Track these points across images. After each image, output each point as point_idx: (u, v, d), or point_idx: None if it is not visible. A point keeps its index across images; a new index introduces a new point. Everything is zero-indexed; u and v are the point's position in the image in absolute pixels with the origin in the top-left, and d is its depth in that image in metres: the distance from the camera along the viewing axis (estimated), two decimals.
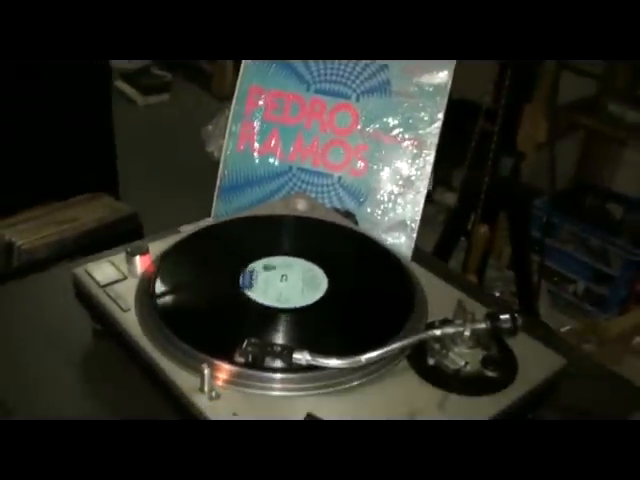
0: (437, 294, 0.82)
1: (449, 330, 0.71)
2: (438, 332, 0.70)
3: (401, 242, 1.02)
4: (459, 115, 1.31)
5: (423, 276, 0.85)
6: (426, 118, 1.01)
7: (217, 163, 1.10)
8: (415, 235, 1.02)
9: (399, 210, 1.02)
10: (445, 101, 1.01)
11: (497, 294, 2.01)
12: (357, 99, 1.04)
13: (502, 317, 0.70)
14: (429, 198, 1.06)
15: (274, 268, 0.82)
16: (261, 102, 1.06)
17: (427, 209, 1.04)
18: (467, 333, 0.70)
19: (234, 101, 1.07)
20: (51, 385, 0.78)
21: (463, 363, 0.70)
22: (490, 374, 0.70)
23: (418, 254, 1.01)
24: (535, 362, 0.73)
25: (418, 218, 1.02)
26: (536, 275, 1.77)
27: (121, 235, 0.75)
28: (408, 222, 1.02)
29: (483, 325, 0.71)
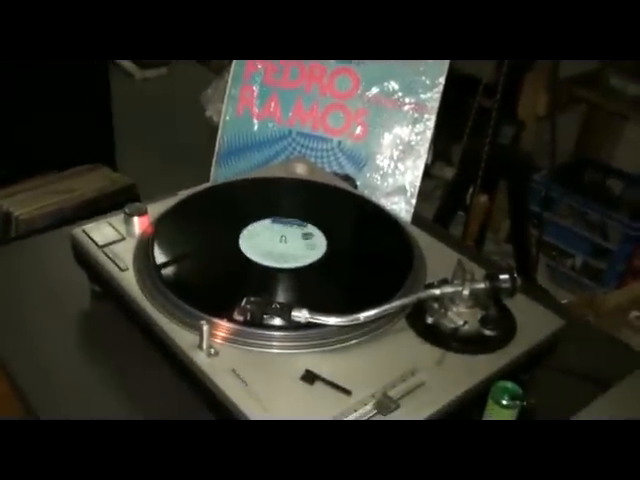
0: (436, 256, 0.81)
1: (448, 289, 0.70)
2: (437, 291, 0.70)
3: (400, 207, 1.02)
4: (459, 90, 1.30)
5: (422, 238, 0.85)
6: (427, 82, 1.00)
7: (215, 130, 1.10)
8: (414, 200, 1.02)
9: (399, 175, 1.02)
10: (447, 65, 1.00)
11: None
12: (358, 63, 1.03)
13: (501, 277, 0.70)
14: (427, 172, 1.06)
15: (273, 229, 0.82)
16: (260, 65, 1.05)
17: (425, 184, 1.04)
18: (466, 292, 0.70)
19: (233, 63, 1.06)
20: (50, 347, 0.78)
21: (462, 322, 0.70)
22: (488, 333, 0.70)
23: (418, 219, 1.01)
24: (533, 322, 0.73)
25: (418, 183, 1.02)
26: (534, 249, 1.77)
27: (119, 206, 0.75)
28: (408, 187, 1.02)
29: (482, 285, 0.71)
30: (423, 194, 1.03)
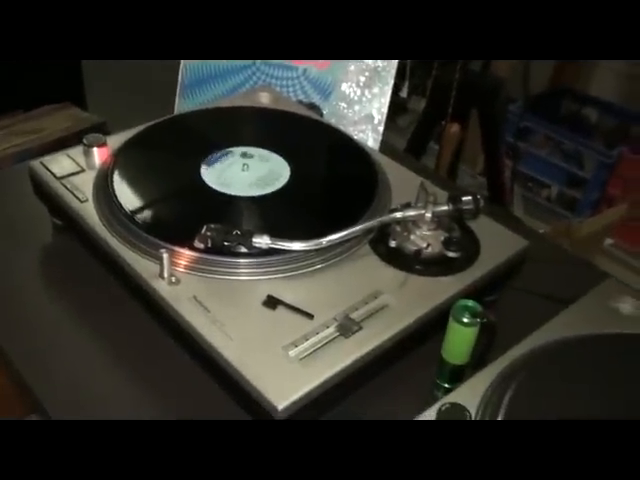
0: (402, 182, 0.81)
1: (410, 212, 0.70)
2: (399, 214, 0.70)
3: (368, 135, 1.00)
4: None
5: (388, 165, 0.84)
6: None
7: None
8: (382, 128, 1.00)
9: (365, 102, 1.00)
10: None
11: None
12: None
13: (464, 199, 0.70)
14: (403, 107, 1.04)
15: (235, 158, 0.81)
16: None
17: (401, 119, 1.02)
18: (428, 215, 0.70)
19: None
20: (13, 282, 0.77)
21: (424, 245, 0.70)
22: (451, 255, 0.70)
23: (388, 149, 1.00)
24: (497, 243, 0.73)
25: (385, 110, 1.00)
26: (509, 180, 1.76)
27: None
28: (375, 115, 1.00)
29: (445, 207, 0.70)
30: (399, 129, 1.02)
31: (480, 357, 0.63)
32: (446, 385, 0.65)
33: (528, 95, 1.83)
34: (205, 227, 0.66)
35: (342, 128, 0.92)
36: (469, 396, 0.55)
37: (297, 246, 0.66)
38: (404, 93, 1.30)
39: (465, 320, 0.61)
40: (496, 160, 1.56)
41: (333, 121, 0.98)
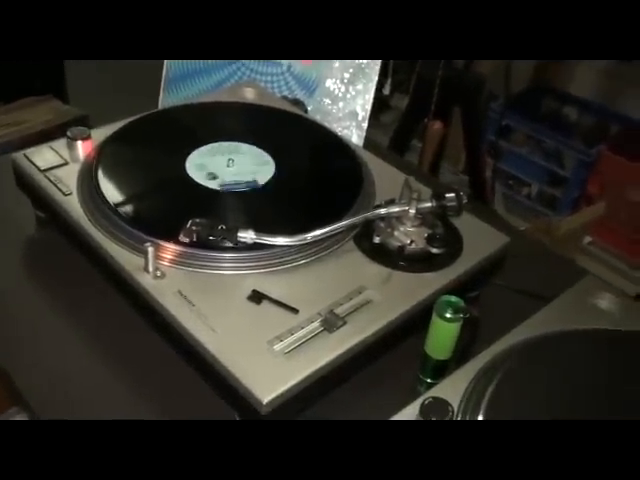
0: (386, 179, 0.81)
1: (394, 209, 0.71)
2: (383, 211, 0.70)
3: (352, 132, 1.01)
4: None
5: (372, 162, 0.85)
6: None
7: None
8: (366, 125, 1.01)
9: (350, 99, 1.01)
10: None
11: None
12: None
13: (447, 195, 0.71)
14: (386, 104, 1.05)
15: (220, 153, 0.81)
16: None
17: (384, 116, 1.03)
18: (412, 211, 0.70)
19: None
20: None
21: (408, 241, 0.71)
22: (435, 251, 0.70)
23: (371, 146, 1.00)
24: (480, 240, 0.74)
25: (369, 107, 1.01)
26: (490, 178, 1.78)
27: None
28: (359, 111, 1.01)
29: (429, 204, 0.71)
30: (382, 126, 1.02)
31: (463, 352, 0.64)
32: (429, 380, 0.66)
33: (509, 93, 1.84)
34: (190, 221, 0.66)
35: (327, 124, 0.92)
36: (451, 391, 0.56)
37: (282, 241, 0.67)
38: (387, 90, 1.31)
39: (448, 315, 0.62)
40: (478, 157, 1.58)
41: (318, 117, 0.98)
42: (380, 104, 2.23)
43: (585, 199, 2.23)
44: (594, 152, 2.16)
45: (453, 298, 0.63)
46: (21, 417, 1.18)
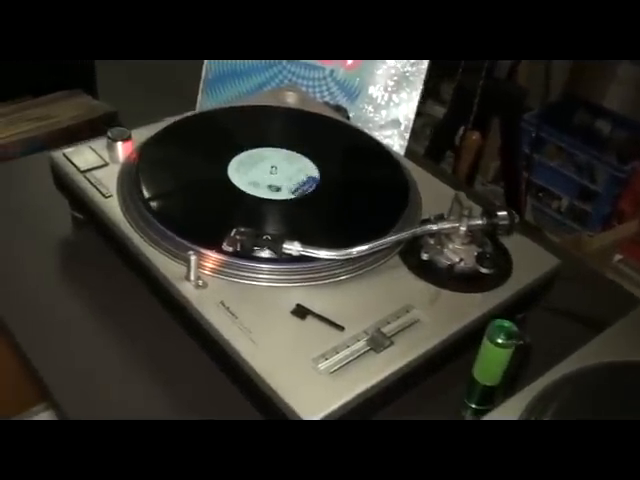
0: (431, 191, 0.79)
1: (445, 225, 0.68)
2: (435, 227, 0.68)
3: (394, 141, 0.98)
4: None
5: (417, 173, 0.82)
6: None
7: None
8: (408, 134, 0.98)
9: (393, 107, 0.98)
10: None
11: None
12: None
13: (499, 214, 0.68)
14: (418, 111, 1.02)
15: (264, 159, 0.79)
16: None
17: (415, 122, 1.00)
18: (463, 229, 0.68)
19: None
20: (30, 278, 0.75)
21: (457, 259, 0.68)
22: (484, 271, 0.68)
23: (411, 155, 0.98)
24: (529, 261, 0.71)
25: (412, 117, 0.98)
26: (524, 191, 1.75)
27: (99, 135, 0.72)
28: (402, 120, 0.98)
29: (479, 222, 0.69)
30: (412, 132, 1.00)
31: (512, 379, 0.61)
32: (474, 406, 0.64)
33: (546, 105, 1.81)
34: (235, 230, 0.64)
35: (369, 132, 0.90)
36: None
37: (327, 254, 0.64)
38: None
39: (500, 341, 0.59)
40: (515, 170, 1.55)
41: (359, 124, 0.96)
42: None
43: (616, 215, 2.20)
44: (628, 168, 2.12)
45: (506, 322, 0.60)
46: (47, 416, 1.17)
